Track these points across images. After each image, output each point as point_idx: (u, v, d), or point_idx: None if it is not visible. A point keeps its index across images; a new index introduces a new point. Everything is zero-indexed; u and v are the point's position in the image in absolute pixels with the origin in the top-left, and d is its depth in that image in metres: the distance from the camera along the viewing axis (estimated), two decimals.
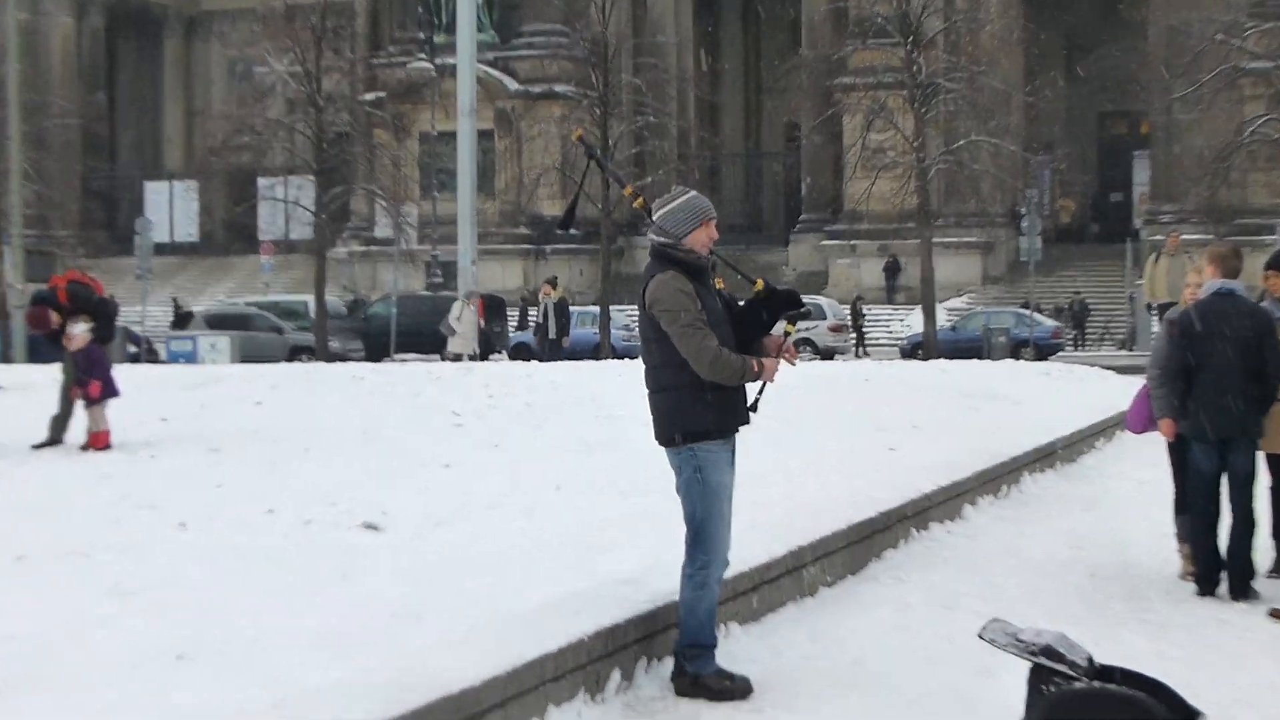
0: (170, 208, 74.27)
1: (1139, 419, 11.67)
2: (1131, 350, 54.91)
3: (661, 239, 8.14)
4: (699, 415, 8.12)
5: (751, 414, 8.30)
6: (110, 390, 16.21)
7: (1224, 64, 45.08)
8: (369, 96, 59.97)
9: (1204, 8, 49.32)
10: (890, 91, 49.89)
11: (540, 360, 32.26)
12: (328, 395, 21.09)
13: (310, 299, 52.13)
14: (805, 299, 9.02)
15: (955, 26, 51.01)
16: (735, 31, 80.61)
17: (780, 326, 8.33)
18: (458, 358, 34.75)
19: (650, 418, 8.32)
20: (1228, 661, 8.79)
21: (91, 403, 16.02)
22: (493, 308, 50.94)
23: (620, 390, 21.31)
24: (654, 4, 66.28)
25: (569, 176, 52.22)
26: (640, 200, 8.50)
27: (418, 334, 49.19)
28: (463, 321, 35.55)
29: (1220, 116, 47.55)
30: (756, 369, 8.06)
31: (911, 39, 44.46)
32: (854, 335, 56.92)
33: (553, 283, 37.29)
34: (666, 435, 8.23)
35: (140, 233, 49.37)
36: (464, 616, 8.11)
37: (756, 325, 8.29)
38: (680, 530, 10.19)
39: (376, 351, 49.36)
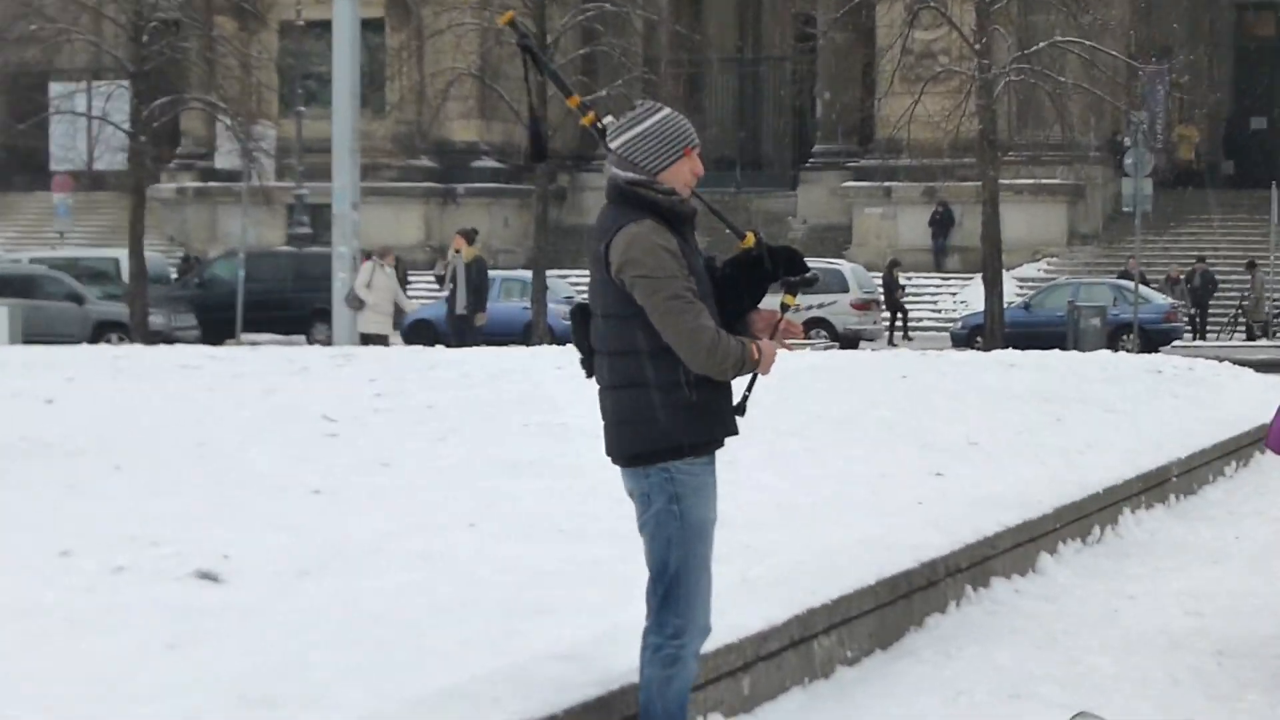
0: None
1: None
2: (1275, 339, 55.34)
3: (628, 174, 8.10)
4: (678, 423, 8.12)
5: (739, 416, 8.32)
6: None
7: None
8: None
9: None
10: None
11: (448, 344, 32.28)
12: (148, 391, 21.01)
13: (123, 255, 51.96)
14: (819, 264, 9.02)
15: None
16: None
17: (775, 298, 8.35)
18: (372, 340, 34.48)
19: (604, 425, 8.35)
20: None
21: None
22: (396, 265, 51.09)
23: (559, 388, 21.39)
24: None
25: (490, 86, 52.10)
26: (591, 116, 8.44)
27: (275, 306, 49.19)
28: (375, 289, 35.34)
29: None
30: (756, 356, 8.10)
31: None
32: (887, 314, 57.15)
33: (468, 235, 37.18)
34: (634, 449, 8.26)
35: None
36: (339, 704, 8.16)
37: (744, 295, 8.32)
38: (641, 585, 10.27)
39: (216, 330, 49.36)
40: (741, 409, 8.29)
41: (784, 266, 8.23)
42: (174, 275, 57.88)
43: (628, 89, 50.97)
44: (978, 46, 43.75)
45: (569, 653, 8.98)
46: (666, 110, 8.25)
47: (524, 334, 45.19)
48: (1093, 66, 48.24)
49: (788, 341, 8.29)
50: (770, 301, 8.32)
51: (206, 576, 10.96)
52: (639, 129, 8.10)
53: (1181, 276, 58.63)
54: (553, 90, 9.14)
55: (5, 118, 63.96)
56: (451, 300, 35.66)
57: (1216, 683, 10.71)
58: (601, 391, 8.31)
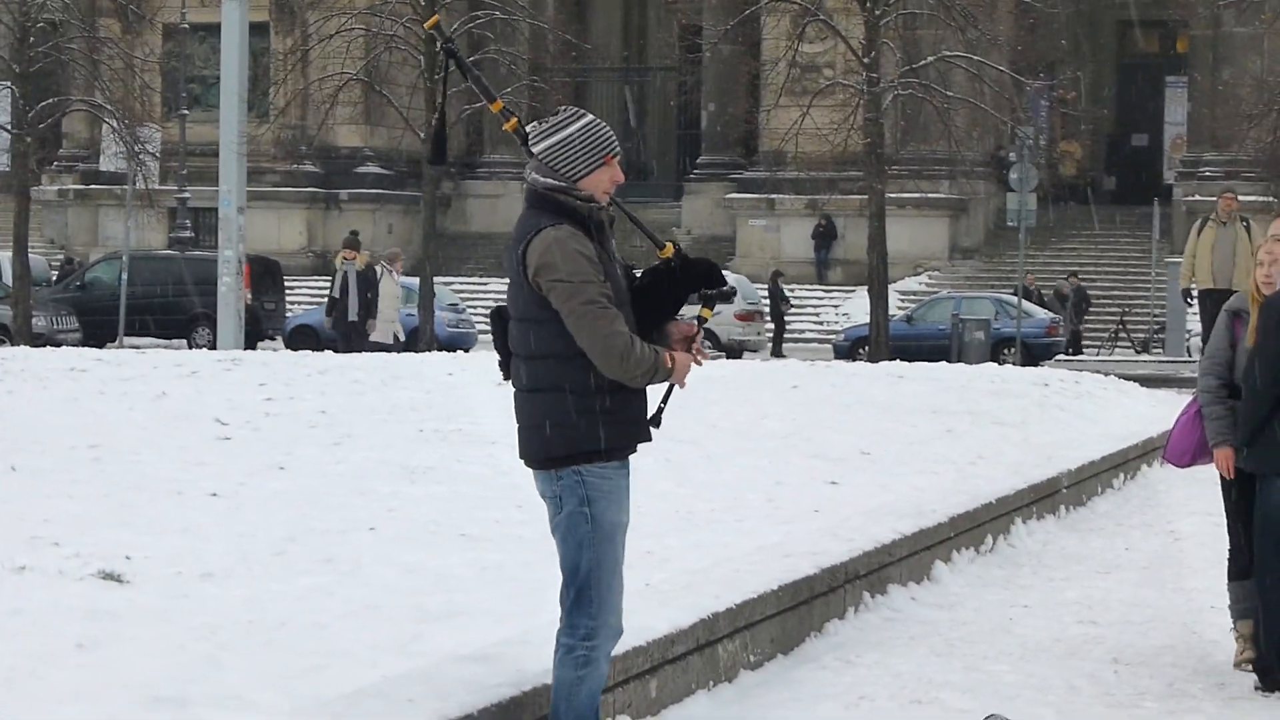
0: None
1: (1185, 448, 11.82)
2: (1155, 355, 55.81)
3: (548, 180, 8.14)
4: (591, 427, 8.16)
5: (654, 428, 8.38)
6: None
7: None
8: None
9: None
10: None
11: (336, 350, 32.22)
12: (36, 392, 20.97)
13: (3, 256, 51.68)
14: None
15: None
16: None
17: (691, 310, 8.38)
18: (382, 347, 34.30)
19: (519, 428, 8.38)
20: None
21: None
22: (265, 275, 50.84)
23: (451, 394, 21.44)
24: None
25: (379, 91, 51.96)
26: (514, 121, 8.49)
27: (159, 309, 48.93)
28: (382, 295, 35.12)
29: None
30: (669, 366, 8.13)
31: None
32: (771, 325, 57.32)
33: (353, 244, 37.14)
34: (546, 453, 8.28)
35: None
36: (249, 704, 8.18)
37: (660, 306, 8.35)
38: (546, 589, 10.34)
39: (98, 333, 49.05)
40: (657, 420, 8.32)
41: (702, 279, 8.30)
42: (54, 278, 57.41)
43: (515, 96, 50.88)
44: (866, 60, 43.90)
45: (480, 654, 9.02)
46: (589, 117, 8.25)
47: (409, 340, 45.09)
48: (979, 81, 48.42)
49: (700, 354, 8.33)
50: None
51: (110, 578, 10.94)
52: (560, 135, 8.12)
53: (1069, 292, 58.90)
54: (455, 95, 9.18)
55: None
56: (340, 306, 35.59)
57: (1114, 690, 10.85)
58: (516, 394, 8.34)
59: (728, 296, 8.43)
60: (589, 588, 8.28)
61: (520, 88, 54.00)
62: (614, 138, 8.18)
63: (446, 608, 10.38)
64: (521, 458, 8.40)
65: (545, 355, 8.18)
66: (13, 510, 13.19)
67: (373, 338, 35.09)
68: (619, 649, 8.67)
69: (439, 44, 9.01)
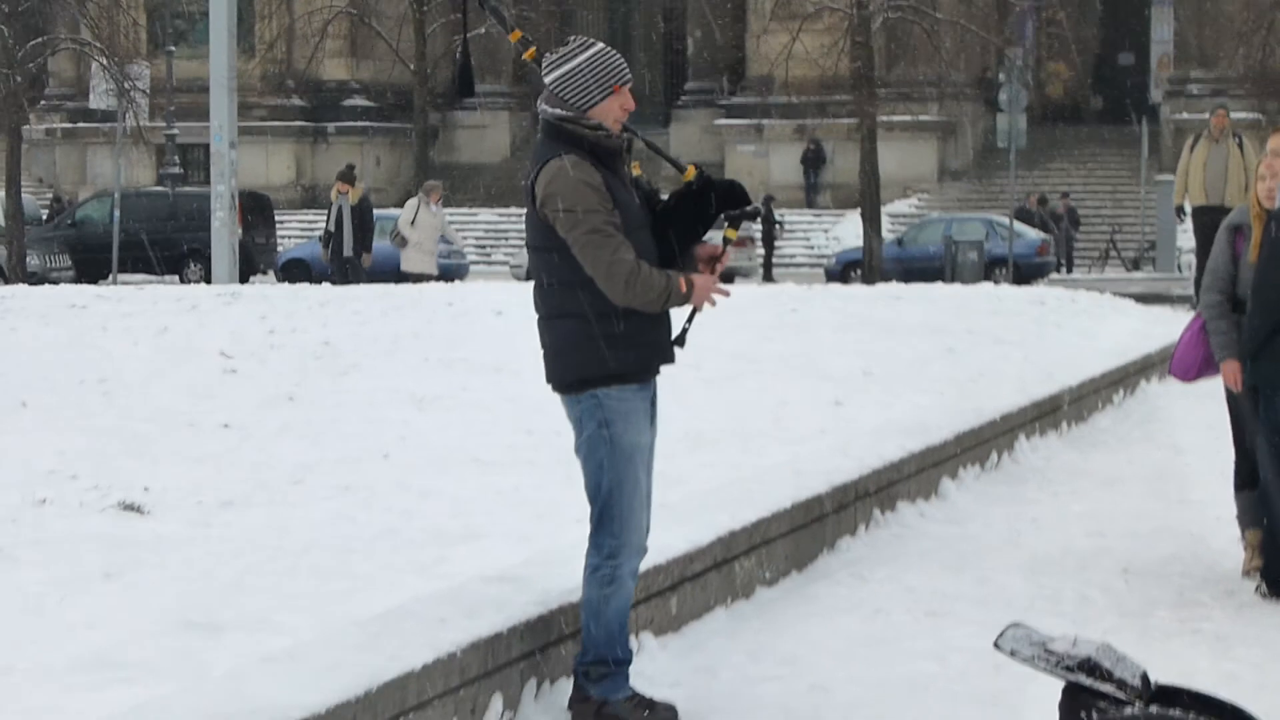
0: None
1: (1191, 362, 11.89)
2: (1146, 272, 55.90)
3: (557, 110, 8.22)
4: (608, 351, 8.26)
5: (678, 349, 8.48)
6: None
7: None
8: None
9: None
10: None
11: (332, 283, 32.24)
12: (39, 329, 20.92)
13: None
14: None
15: None
16: None
17: (719, 230, 8.50)
18: (416, 279, 34.01)
19: (543, 354, 8.48)
20: None
21: None
22: (256, 210, 50.81)
23: (452, 324, 21.49)
24: None
25: (367, 23, 52.01)
26: (532, 51, 8.55)
27: (150, 246, 48.96)
28: (419, 226, 35.03)
29: None
30: (685, 289, 8.21)
31: None
32: (763, 251, 57.30)
33: (348, 177, 37.04)
34: (564, 377, 8.39)
35: None
36: (281, 627, 8.27)
37: (685, 229, 8.44)
38: (560, 511, 10.45)
39: (90, 271, 49.01)
40: (681, 340, 8.46)
41: (725, 200, 8.38)
42: (44, 217, 57.35)
43: (499, 27, 50.51)
44: None
45: (504, 575, 9.10)
46: (598, 46, 8.32)
47: (397, 273, 45.05)
48: (966, 3, 48.52)
49: (712, 280, 8.39)
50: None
51: (130, 509, 11.01)
52: (569, 65, 8.17)
53: (1045, 210, 58.80)
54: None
55: None
56: (336, 240, 35.55)
57: (1125, 600, 10.93)
58: (538, 321, 8.46)
59: (752, 215, 8.56)
60: (610, 507, 8.41)
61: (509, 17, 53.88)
62: (624, 65, 8.24)
63: (466, 531, 10.48)
64: (548, 382, 8.50)
65: (559, 283, 8.29)
66: (28, 445, 13.24)
67: (414, 269, 34.96)
68: (642, 566, 8.80)
69: None
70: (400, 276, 34.50)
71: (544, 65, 8.27)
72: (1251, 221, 11.34)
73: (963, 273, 44.66)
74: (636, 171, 8.45)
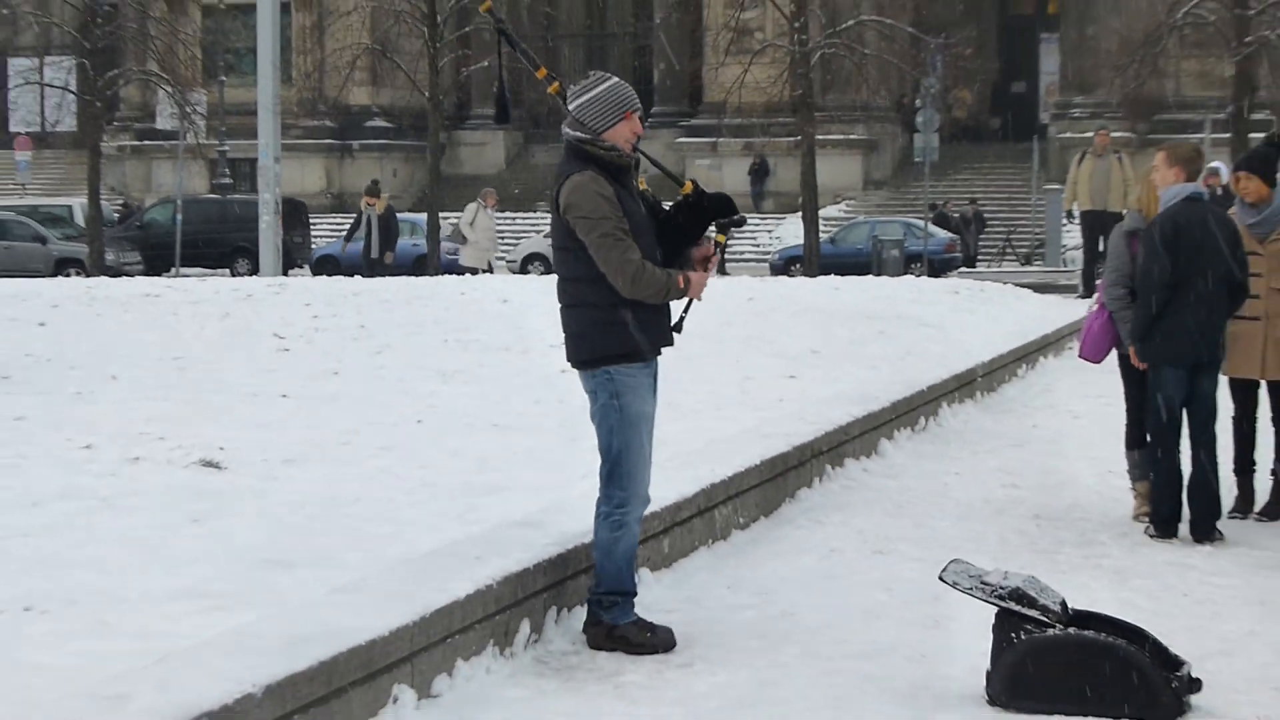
0: None
1: (1103, 347, 11.87)
2: (1037, 266, 55.93)
3: (578, 133, 8.30)
4: (617, 335, 8.35)
5: (676, 334, 8.59)
6: None
7: None
8: None
9: None
10: None
11: (363, 277, 32.24)
12: (120, 314, 20.91)
13: (75, 203, 51.75)
14: None
15: None
16: None
17: (710, 236, 8.54)
18: (473, 272, 33.95)
19: (564, 336, 8.55)
20: (1201, 609, 9.26)
21: None
22: (293, 214, 50.67)
23: (465, 310, 21.52)
24: None
25: (388, 57, 51.88)
26: (556, 85, 8.65)
27: (205, 244, 48.96)
28: (477, 227, 34.86)
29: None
30: (682, 284, 8.30)
31: None
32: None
33: (374, 191, 37.05)
34: (581, 356, 8.47)
35: None
36: (344, 564, 8.32)
37: (683, 234, 8.51)
38: (569, 468, 10.51)
39: (156, 265, 48.94)
40: (679, 327, 8.58)
41: (716, 210, 8.45)
42: (116, 219, 57.22)
43: (494, 64, 50.59)
44: (796, 25, 43.75)
45: (527, 521, 9.18)
46: (613, 80, 8.42)
47: (414, 267, 44.99)
48: (888, 40, 48.52)
49: (704, 278, 8.45)
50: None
51: (210, 465, 11.04)
52: (589, 95, 8.27)
53: (958, 215, 58.88)
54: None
55: None
56: (365, 244, 35.57)
57: (1038, 541, 11.01)
58: (561, 309, 8.52)
59: (740, 223, 8.60)
60: (620, 465, 8.48)
61: (502, 54, 53.82)
62: (633, 96, 8.35)
63: (491, 484, 10.49)
64: (568, 359, 8.57)
65: (578, 278, 8.37)
66: (122, 411, 13.27)
67: (470, 264, 34.83)
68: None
69: (493, 24, 9.10)
70: (471, 271, 34.37)
71: (568, 95, 8.36)
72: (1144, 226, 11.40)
73: (886, 267, 44.61)
74: (643, 185, 8.50)
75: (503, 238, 54.42)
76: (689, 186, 8.48)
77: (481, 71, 55.47)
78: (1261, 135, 15.19)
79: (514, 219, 62.73)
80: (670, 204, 8.57)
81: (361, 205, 36.66)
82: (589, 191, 8.17)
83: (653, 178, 8.89)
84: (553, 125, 58.99)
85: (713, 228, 8.49)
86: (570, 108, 8.30)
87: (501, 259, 50.65)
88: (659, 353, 8.57)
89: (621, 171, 8.33)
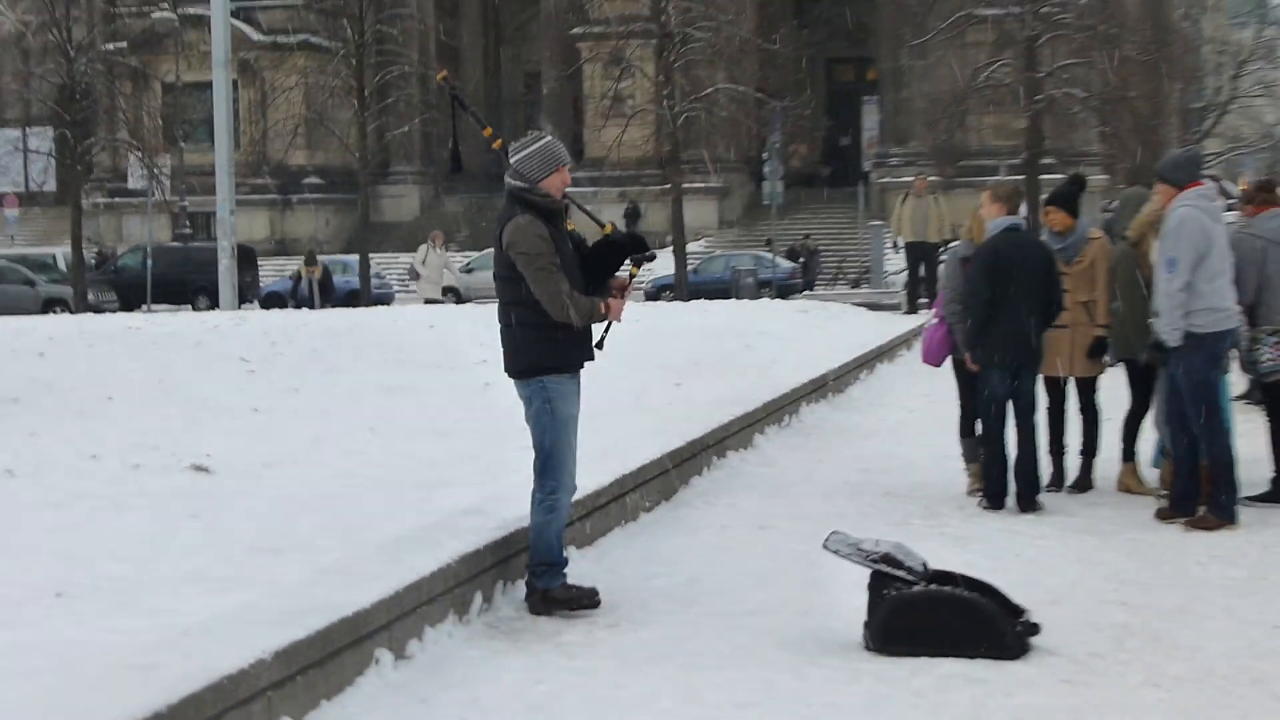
0: None
1: (938, 352, 12.00)
2: (864, 289, 56.28)
3: (518, 183, 8.28)
4: (548, 351, 8.36)
5: (597, 350, 8.59)
6: None
7: (958, 12, 46.34)
8: (111, 46, 58.09)
9: None
10: (636, 40, 50.11)
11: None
12: (108, 345, 20.66)
13: (58, 251, 51.18)
14: None
15: None
16: None
17: (625, 268, 8.56)
18: (429, 302, 33.83)
19: (502, 351, 8.54)
20: (1031, 566, 9.38)
21: None
22: (243, 258, 50.30)
23: (399, 336, 21.43)
24: None
25: (325, 125, 51.72)
26: (499, 142, 8.64)
27: (171, 284, 48.56)
28: (428, 264, 34.60)
29: (949, 63, 48.87)
30: (604, 310, 8.33)
31: None
32: None
33: (311, 260, 36.80)
34: (517, 368, 8.47)
35: None
36: (324, 550, 8.27)
37: (603, 267, 8.51)
38: (503, 467, 10.48)
39: (130, 303, 48.49)
40: (600, 344, 8.57)
41: (631, 247, 8.49)
42: (94, 264, 56.60)
43: (417, 126, 50.65)
44: (665, 93, 43.93)
45: (473, 509, 9.15)
46: (548, 138, 8.44)
47: (349, 299, 44.72)
48: (740, 104, 48.77)
49: (622, 304, 8.48)
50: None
51: (200, 469, 10.96)
52: (527, 151, 8.28)
53: (799, 248, 59.10)
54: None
55: None
56: (308, 302, 35.20)
57: (890, 514, 11.06)
58: (500, 329, 8.53)
59: (651, 258, 8.66)
60: (551, 459, 8.49)
61: (417, 118, 53.88)
62: (564, 152, 8.35)
63: (439, 480, 10.47)
64: (505, 371, 8.56)
65: (517, 303, 8.37)
66: (120, 426, 13.13)
67: (426, 295, 34.58)
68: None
69: (447, 90, 9.12)
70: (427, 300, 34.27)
71: (509, 150, 8.36)
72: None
73: (743, 292, 44.56)
74: (571, 227, 8.52)
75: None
76: (609, 227, 8.51)
77: (400, 135, 55.35)
78: (1052, 178, 15.48)
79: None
80: (593, 242, 8.58)
81: (302, 272, 36.25)
82: (528, 233, 8.17)
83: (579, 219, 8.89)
84: (461, 178, 59.61)
85: (628, 262, 8.51)
86: (511, 160, 8.29)
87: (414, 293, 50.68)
88: (583, 365, 8.56)
89: (553, 215, 8.33)
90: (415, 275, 35.52)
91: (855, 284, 58.84)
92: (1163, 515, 10.66)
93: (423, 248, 35.55)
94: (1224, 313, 10.36)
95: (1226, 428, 10.59)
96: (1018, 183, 11.31)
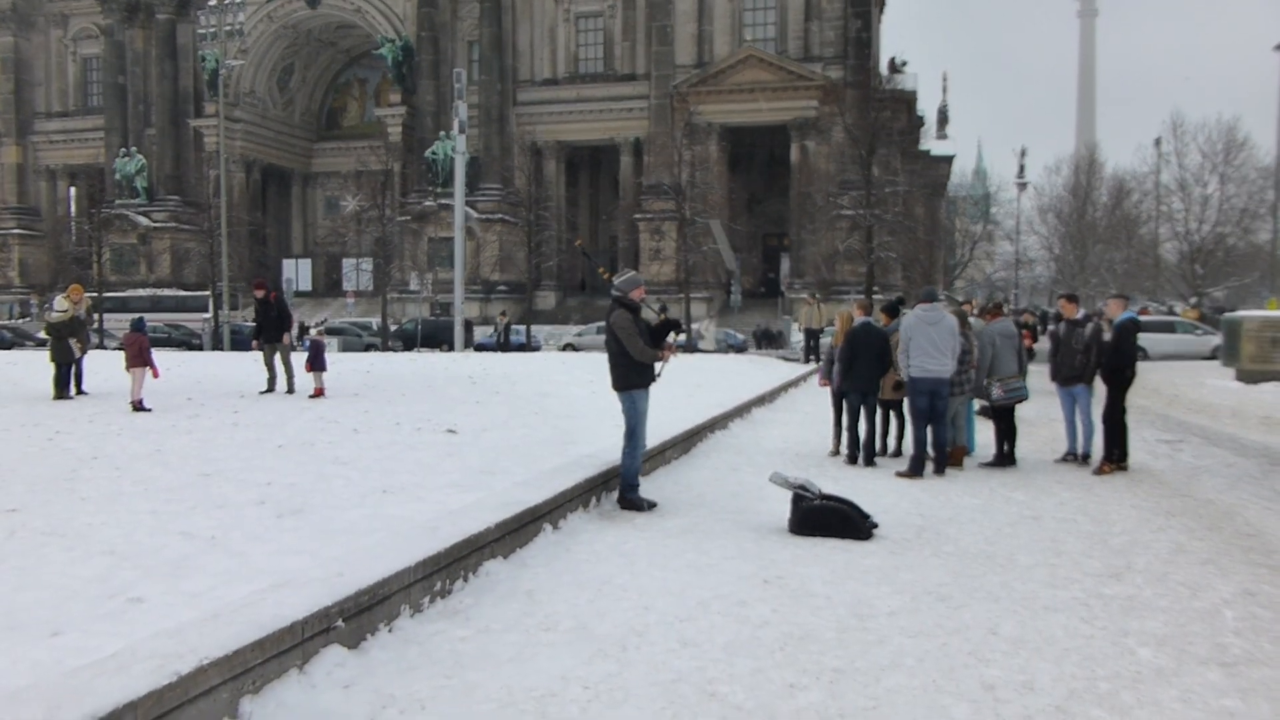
0: (296, 273, 71.60)
1: (825, 381, 11.77)
2: (780, 350, 55.72)
3: (618, 293, 8.25)
4: (633, 376, 8.24)
5: (656, 378, 8.42)
6: (319, 365, 15.65)
7: (831, 212, 46.22)
8: (406, 217, 58.19)
9: (820, 181, 50.37)
10: (668, 221, 49.96)
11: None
12: (402, 368, 20.44)
13: (374, 320, 51.29)
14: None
15: (697, 188, 50.07)
16: (586, 186, 79.45)
17: (670, 336, 8.49)
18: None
19: (609, 375, 8.35)
20: (874, 495, 9.13)
21: (312, 371, 15.55)
22: (466, 326, 50.02)
23: (547, 369, 20.87)
24: (547, 170, 64.72)
25: (510, 259, 51.58)
26: (607, 274, 8.69)
27: (429, 338, 48.56)
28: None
29: (827, 237, 48.71)
30: (660, 356, 8.22)
31: (679, 195, 44.81)
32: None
33: (504, 313, 36.66)
34: (618, 385, 8.31)
35: (286, 286, 48.44)
36: (516, 474, 8.24)
37: (659, 335, 8.40)
38: (604, 437, 10.27)
39: (409, 348, 47.65)
40: (657, 376, 8.32)
41: (675, 327, 8.33)
42: (391, 329, 56.36)
43: (553, 265, 50.29)
44: (680, 248, 43.60)
45: (590, 455, 9.04)
46: (632, 272, 8.33)
47: (519, 347, 43.72)
48: (718, 252, 48.48)
49: (669, 355, 8.24)
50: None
51: (450, 431, 10.63)
52: (624, 278, 8.22)
53: (758, 332, 57.77)
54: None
55: (325, 270, 62.14)
56: (499, 337, 34.54)
57: (798, 464, 10.40)
58: (609, 366, 8.31)
59: (681, 331, 8.69)
60: (635, 432, 8.30)
61: (556, 263, 53.44)
62: (640, 279, 8.19)
63: (572, 440, 10.16)
64: (612, 387, 8.30)
65: (618, 353, 8.22)
66: (407, 409, 12.66)
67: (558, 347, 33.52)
68: (560, 488, 8.06)
69: (580, 249, 9.13)
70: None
71: (615, 277, 8.28)
72: (839, 333, 11.08)
73: (719, 350, 44.12)
74: (643, 315, 8.47)
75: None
76: (665, 316, 8.48)
77: (547, 265, 54.81)
78: (881, 297, 14.94)
79: (564, 328, 61.58)
80: (655, 323, 8.49)
81: (497, 319, 35.89)
82: (625, 319, 8.12)
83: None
84: (576, 290, 58.82)
85: (671, 332, 8.42)
86: (615, 282, 8.23)
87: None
88: (649, 384, 8.40)
89: (636, 309, 8.25)
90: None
91: (779, 348, 58.09)
92: (904, 475, 9.78)
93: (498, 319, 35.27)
94: (918, 368, 9.82)
95: (952, 424, 10.13)
96: (866, 299, 10.88)
